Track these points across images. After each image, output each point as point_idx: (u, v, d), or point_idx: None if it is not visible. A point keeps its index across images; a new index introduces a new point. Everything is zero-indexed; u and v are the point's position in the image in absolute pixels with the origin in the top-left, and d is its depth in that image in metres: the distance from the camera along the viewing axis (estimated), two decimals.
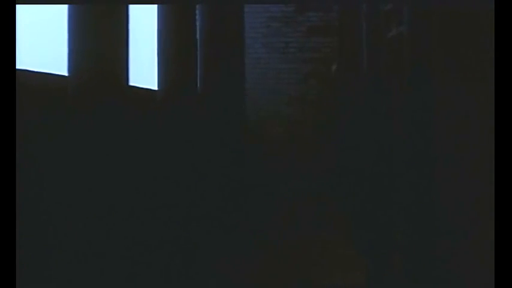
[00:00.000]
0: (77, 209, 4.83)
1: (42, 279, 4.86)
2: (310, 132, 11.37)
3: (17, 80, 4.60)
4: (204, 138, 8.94)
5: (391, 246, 6.61)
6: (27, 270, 4.67)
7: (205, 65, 9.11)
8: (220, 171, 9.15)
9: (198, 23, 9.16)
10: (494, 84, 4.38)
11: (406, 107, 5.10)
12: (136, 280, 6.40)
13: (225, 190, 9.21)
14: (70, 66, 4.94)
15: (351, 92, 10.08)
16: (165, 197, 7.49)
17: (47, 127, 5.03)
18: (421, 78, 4.96)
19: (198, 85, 9.16)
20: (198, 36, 9.15)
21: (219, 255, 7.78)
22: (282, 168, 11.41)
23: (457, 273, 4.63)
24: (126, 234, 5.16)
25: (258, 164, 11.42)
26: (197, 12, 9.25)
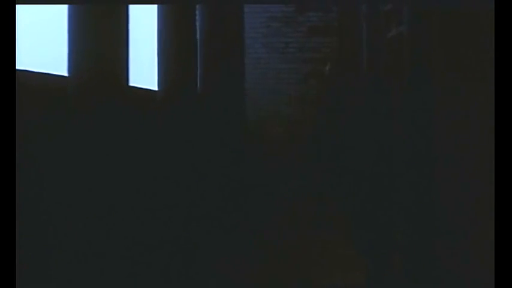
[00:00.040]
0: (77, 209, 4.83)
1: (42, 279, 4.86)
2: (310, 132, 11.37)
3: (17, 80, 4.60)
4: (204, 138, 8.94)
5: (391, 246, 6.61)
6: (27, 270, 4.67)
7: (205, 65, 9.11)
8: (220, 171, 9.15)
9: (198, 23, 9.16)
10: (494, 84, 4.38)
11: (406, 107, 5.10)
12: (136, 280, 6.40)
13: (225, 190, 9.21)
14: (70, 66, 4.94)
15: (351, 92, 10.08)
16: (165, 197, 7.49)
17: (47, 127, 5.03)
18: (421, 78, 4.96)
19: (198, 85, 9.16)
20: (198, 36, 9.15)
21: (218, 255, 7.78)
22: (282, 168, 11.41)
23: (457, 273, 4.63)
24: (126, 234, 5.16)
25: (258, 164, 11.42)
26: (197, 12, 9.25)
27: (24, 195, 4.67)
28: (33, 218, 4.79)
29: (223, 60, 9.18)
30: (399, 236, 6.13)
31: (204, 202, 8.60)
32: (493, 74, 4.38)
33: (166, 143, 7.50)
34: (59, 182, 5.14)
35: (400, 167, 6.10)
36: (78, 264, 4.79)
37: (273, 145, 11.47)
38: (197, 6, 9.25)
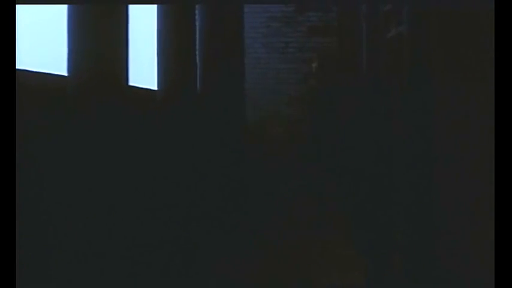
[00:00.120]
0: (77, 209, 4.83)
1: (42, 279, 4.86)
2: (310, 132, 11.37)
3: (17, 80, 4.60)
4: (204, 138, 8.94)
5: (391, 246, 6.62)
6: (27, 270, 4.67)
7: (205, 64, 9.11)
8: (219, 171, 9.15)
9: (197, 23, 9.16)
10: (494, 84, 4.38)
11: (406, 107, 5.10)
12: (136, 280, 6.40)
13: (224, 190, 9.21)
14: (70, 66, 4.94)
15: (351, 92, 10.08)
16: (164, 197, 7.49)
17: (47, 127, 5.03)
18: (421, 78, 4.96)
19: (198, 85, 9.16)
20: (197, 36, 9.15)
21: (218, 255, 7.78)
22: (282, 168, 11.41)
23: (457, 273, 4.63)
24: (125, 234, 5.16)
25: (257, 164, 11.43)
26: (197, 12, 9.25)
27: (24, 195, 4.66)
28: (33, 218, 4.79)
29: (223, 60, 9.18)
30: (399, 236, 6.13)
31: (203, 202, 8.60)
32: (493, 74, 4.38)
33: (166, 143, 7.50)
34: (58, 182, 5.14)
35: (400, 167, 6.10)
36: (78, 264, 4.79)
37: (272, 145, 11.47)
38: (197, 6, 9.25)
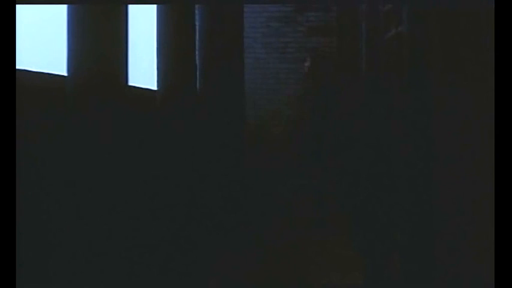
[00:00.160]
0: (77, 209, 4.83)
1: (42, 279, 4.86)
2: (310, 132, 11.38)
3: (17, 80, 4.60)
4: (203, 138, 8.94)
5: (390, 246, 6.61)
6: (27, 270, 4.67)
7: (204, 65, 9.11)
8: (219, 171, 9.15)
9: (197, 23, 9.16)
10: (494, 84, 4.38)
11: (405, 107, 5.10)
12: (135, 280, 6.40)
13: (224, 190, 9.21)
14: (69, 66, 4.94)
15: (350, 92, 10.08)
16: (164, 196, 7.49)
17: (47, 127, 5.03)
18: (421, 78, 4.96)
19: (198, 85, 9.16)
20: (197, 36, 9.15)
21: (217, 255, 7.78)
22: (281, 167, 11.41)
23: (456, 274, 4.63)
24: (125, 234, 5.16)
25: (257, 164, 11.43)
26: (196, 12, 9.25)
27: (24, 195, 4.66)
28: (33, 218, 4.79)
29: (222, 60, 9.18)
30: (398, 236, 6.14)
31: (203, 202, 8.60)
32: (493, 74, 4.38)
33: (166, 143, 7.50)
34: (58, 182, 5.14)
35: (399, 167, 6.10)
36: (78, 264, 4.79)
37: (272, 145, 11.47)
38: (197, 6, 9.25)
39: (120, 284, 5.03)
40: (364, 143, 7.68)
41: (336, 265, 7.05)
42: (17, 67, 4.69)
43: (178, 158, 7.52)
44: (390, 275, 6.44)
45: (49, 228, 5.00)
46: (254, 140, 11.48)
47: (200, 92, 9.14)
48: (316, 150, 11.26)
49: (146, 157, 7.26)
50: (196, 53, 9.02)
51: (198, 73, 9.15)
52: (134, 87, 7.15)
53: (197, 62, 9.05)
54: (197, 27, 9.11)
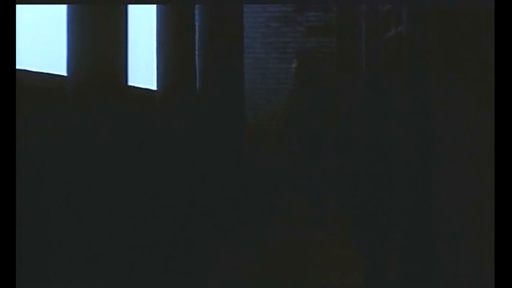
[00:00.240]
0: (77, 208, 4.83)
1: (42, 279, 4.86)
2: (309, 132, 11.37)
3: (17, 80, 4.60)
4: (203, 137, 8.94)
5: (390, 246, 6.62)
6: (27, 270, 4.67)
7: (204, 64, 9.11)
8: (219, 171, 9.15)
9: (197, 23, 9.16)
10: (494, 84, 4.38)
11: (405, 107, 5.10)
12: (135, 280, 6.40)
13: (223, 190, 9.21)
14: (69, 66, 4.94)
15: (350, 92, 10.08)
16: (164, 197, 7.49)
17: (47, 127, 5.03)
18: (420, 78, 4.96)
19: (197, 85, 9.16)
20: (197, 36, 9.15)
21: (216, 255, 7.78)
22: (281, 167, 11.41)
23: (456, 274, 4.63)
24: (125, 234, 5.16)
25: (256, 164, 11.43)
26: (196, 12, 9.25)
27: (24, 195, 4.66)
28: (33, 218, 4.79)
29: (222, 60, 9.18)
30: (398, 236, 6.14)
31: (203, 202, 8.60)
32: (493, 74, 4.38)
33: (165, 142, 7.50)
34: (58, 182, 5.14)
35: (399, 167, 6.11)
36: (78, 264, 4.78)
37: (272, 145, 11.47)
38: (196, 6, 9.25)
39: (120, 284, 5.03)
40: (363, 143, 7.68)
41: (336, 265, 7.05)
42: (17, 67, 4.69)
43: (178, 158, 7.52)
44: (390, 274, 6.44)
45: (49, 228, 5.00)
46: (253, 139, 11.48)
47: (200, 92, 9.14)
48: (315, 150, 11.26)
49: (146, 157, 7.26)
50: (196, 53, 9.02)
51: (197, 73, 9.15)
52: (134, 87, 7.15)
53: (197, 62, 9.05)
54: (197, 27, 9.12)
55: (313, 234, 9.37)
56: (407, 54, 5.06)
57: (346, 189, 10.77)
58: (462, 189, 4.59)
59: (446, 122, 4.68)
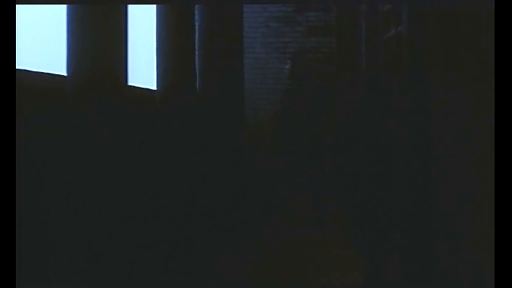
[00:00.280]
0: (77, 208, 4.83)
1: (42, 279, 4.86)
2: (309, 132, 11.37)
3: (17, 80, 4.59)
4: (203, 137, 8.94)
5: (390, 246, 6.62)
6: (27, 270, 4.67)
7: (204, 64, 9.11)
8: (218, 171, 9.15)
9: (197, 23, 9.16)
10: (494, 84, 4.38)
11: (405, 106, 5.10)
12: (134, 280, 6.40)
13: (223, 190, 9.21)
14: (69, 66, 4.94)
15: (350, 92, 10.08)
16: (163, 196, 7.49)
17: (47, 127, 5.03)
18: (420, 78, 4.96)
19: (197, 85, 9.16)
20: (197, 36, 9.15)
21: (216, 255, 7.78)
22: (281, 167, 11.41)
23: (456, 274, 4.63)
24: (125, 234, 5.16)
25: (256, 164, 11.43)
26: (196, 12, 9.24)
27: (24, 195, 4.66)
28: (33, 218, 4.79)
29: (222, 60, 9.18)
30: (398, 236, 6.14)
31: (202, 202, 8.59)
32: (492, 74, 4.38)
33: (165, 142, 7.50)
34: (58, 182, 5.14)
35: (399, 167, 6.11)
36: (78, 264, 4.78)
37: (271, 145, 11.47)
38: (196, 6, 9.25)
39: (120, 284, 5.03)
40: (363, 143, 7.68)
41: (336, 265, 7.05)
42: (17, 67, 4.69)
43: (178, 158, 7.52)
44: (390, 274, 6.44)
45: (49, 228, 5.00)
46: (253, 139, 11.48)
47: (200, 92, 9.14)
48: (315, 150, 11.26)
49: (146, 157, 7.26)
50: (196, 53, 9.02)
51: (197, 73, 9.15)
52: (134, 87, 7.15)
53: (197, 62, 9.05)
54: (197, 27, 9.12)
55: (313, 234, 9.37)
56: (407, 54, 5.06)
57: (346, 189, 10.77)
58: (462, 189, 4.59)
59: (446, 122, 4.68)
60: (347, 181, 10.71)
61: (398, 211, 6.14)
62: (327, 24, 11.48)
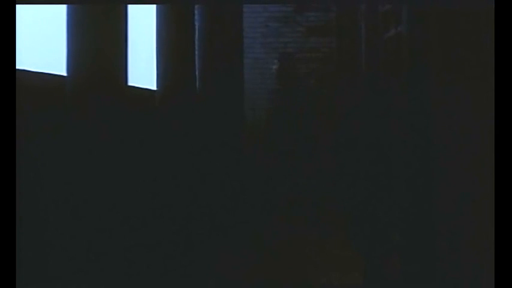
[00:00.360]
0: (76, 208, 4.83)
1: (42, 279, 4.86)
2: (309, 132, 11.37)
3: (17, 80, 4.59)
4: (202, 137, 8.94)
5: (390, 246, 6.62)
6: (27, 270, 4.67)
7: (203, 64, 9.11)
8: (218, 171, 9.15)
9: (196, 23, 9.16)
10: (494, 84, 4.38)
11: (405, 107, 5.10)
12: (135, 280, 6.40)
13: (223, 189, 9.21)
14: (69, 66, 4.94)
15: (350, 92, 10.08)
16: (163, 196, 7.49)
17: (47, 127, 5.02)
18: (420, 78, 4.96)
19: (197, 85, 9.16)
20: (196, 36, 9.15)
21: (216, 255, 7.78)
22: (280, 168, 11.41)
23: (456, 274, 4.63)
24: (125, 233, 5.16)
25: (256, 164, 11.43)
26: (196, 12, 9.24)
27: (24, 194, 4.66)
28: (33, 218, 4.78)
29: (221, 60, 9.18)
30: (397, 236, 6.14)
31: (202, 201, 8.59)
32: (492, 74, 4.38)
33: (165, 142, 7.50)
34: (58, 181, 5.14)
35: (399, 167, 6.11)
36: (78, 263, 4.78)
37: (271, 145, 11.47)
38: (196, 6, 9.25)
39: (120, 284, 5.03)
40: (363, 143, 7.68)
41: (335, 265, 7.05)
42: (17, 67, 4.69)
43: (178, 158, 7.52)
44: (389, 275, 6.44)
45: (49, 228, 5.00)
46: (253, 139, 11.48)
47: (199, 92, 9.14)
48: (315, 150, 11.26)
49: (146, 157, 7.26)
50: (196, 53, 9.02)
51: (197, 73, 9.15)
52: (133, 87, 7.15)
53: (196, 62, 9.05)
54: (197, 27, 9.12)
55: (312, 234, 9.37)
56: (407, 54, 5.06)
57: (346, 189, 10.78)
58: (462, 189, 4.59)
59: (446, 122, 4.68)
60: (346, 181, 10.71)
61: (398, 211, 6.14)
62: (327, 24, 11.48)
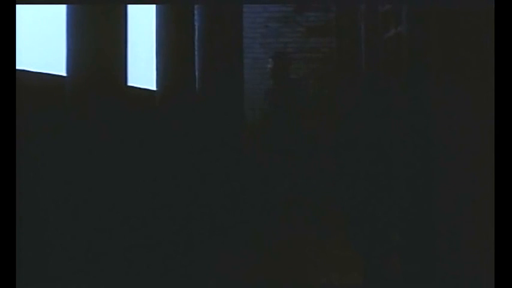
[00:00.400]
0: (76, 208, 4.83)
1: (42, 279, 4.86)
2: (309, 132, 11.37)
3: (17, 80, 4.59)
4: (202, 138, 8.94)
5: (389, 246, 6.62)
6: (27, 270, 4.66)
7: (203, 65, 9.11)
8: (218, 171, 9.15)
9: (196, 23, 9.16)
10: (494, 84, 4.38)
11: (405, 107, 5.10)
12: (135, 280, 6.40)
13: (222, 189, 9.21)
14: (69, 66, 4.93)
15: (350, 92, 10.09)
16: (163, 196, 7.49)
17: (46, 127, 5.02)
18: (420, 78, 4.96)
19: (196, 85, 9.16)
20: (196, 36, 9.15)
21: (216, 255, 7.78)
22: (280, 168, 11.41)
23: (456, 274, 4.63)
24: (124, 233, 5.16)
25: (256, 164, 11.43)
26: (195, 12, 9.24)
27: (24, 194, 4.66)
28: (33, 218, 4.78)
29: (221, 60, 9.18)
30: (397, 236, 6.14)
31: (202, 201, 8.59)
32: (492, 74, 4.38)
33: (165, 142, 7.50)
34: (58, 181, 5.14)
35: (398, 167, 6.11)
36: (78, 263, 4.78)
37: (271, 145, 11.47)
38: (196, 6, 9.25)
39: (120, 284, 5.03)
40: (363, 143, 7.68)
41: (335, 265, 7.05)
42: (17, 67, 4.69)
43: (178, 158, 7.52)
44: (389, 275, 6.44)
45: (48, 228, 5.00)
46: (253, 139, 11.48)
47: (199, 92, 9.14)
48: (315, 150, 11.26)
49: (145, 157, 7.26)
50: (196, 53, 9.02)
51: (197, 73, 9.15)
52: (133, 87, 7.15)
53: (196, 61, 9.05)
54: (197, 27, 9.11)
55: (312, 234, 9.37)
56: (407, 54, 5.06)
57: (346, 189, 10.78)
58: (462, 189, 4.59)
59: (446, 121, 4.68)
60: (346, 181, 10.72)
61: (397, 211, 6.14)
62: (327, 24, 11.48)
